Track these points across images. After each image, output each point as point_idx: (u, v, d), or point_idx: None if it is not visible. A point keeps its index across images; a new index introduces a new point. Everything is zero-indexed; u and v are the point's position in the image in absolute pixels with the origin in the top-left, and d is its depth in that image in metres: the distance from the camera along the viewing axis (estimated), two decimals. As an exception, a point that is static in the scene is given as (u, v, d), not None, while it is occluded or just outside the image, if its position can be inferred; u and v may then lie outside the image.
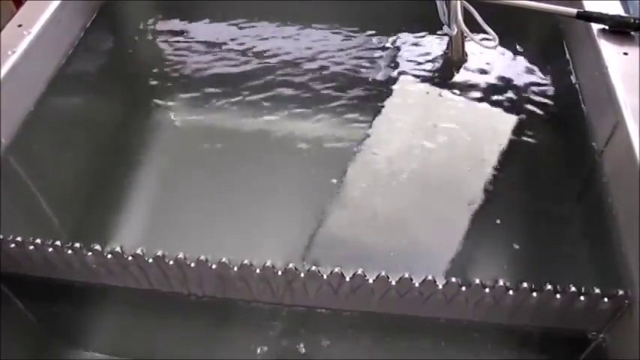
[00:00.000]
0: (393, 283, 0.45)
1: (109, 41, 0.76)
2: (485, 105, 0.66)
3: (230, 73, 0.71)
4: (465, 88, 0.67)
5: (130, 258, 0.47)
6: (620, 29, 0.59)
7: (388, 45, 0.73)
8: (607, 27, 0.60)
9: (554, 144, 0.62)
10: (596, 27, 0.60)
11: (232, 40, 0.75)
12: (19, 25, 0.62)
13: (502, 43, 0.70)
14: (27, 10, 0.64)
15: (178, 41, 0.75)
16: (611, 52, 0.58)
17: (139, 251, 0.47)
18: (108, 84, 0.72)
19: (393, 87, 0.68)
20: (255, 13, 0.78)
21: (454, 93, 0.67)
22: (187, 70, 0.72)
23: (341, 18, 0.76)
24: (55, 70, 0.66)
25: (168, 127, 0.66)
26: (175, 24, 0.78)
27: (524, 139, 0.62)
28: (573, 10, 0.62)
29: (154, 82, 0.71)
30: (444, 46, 0.72)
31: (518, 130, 0.63)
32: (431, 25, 0.73)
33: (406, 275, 0.44)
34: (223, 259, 0.46)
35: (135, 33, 0.78)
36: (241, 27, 0.77)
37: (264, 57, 0.73)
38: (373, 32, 0.75)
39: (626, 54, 0.57)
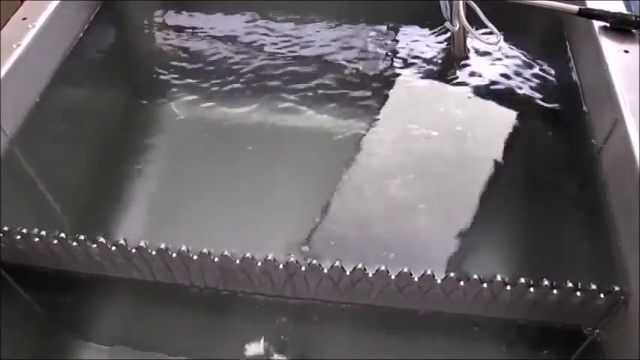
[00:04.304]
0: (393, 277, 0.46)
1: (112, 35, 0.77)
2: (486, 101, 0.66)
3: (234, 67, 0.71)
4: (466, 84, 0.68)
5: (133, 250, 0.48)
6: (622, 27, 0.60)
7: (390, 40, 0.74)
8: (608, 24, 0.60)
9: (554, 140, 0.62)
10: (597, 24, 0.61)
11: (236, 33, 0.75)
12: (24, 19, 0.62)
13: (504, 40, 0.70)
14: (31, 3, 0.65)
15: (182, 35, 0.76)
16: (611, 49, 0.58)
17: (142, 244, 0.47)
18: (111, 77, 0.72)
19: (395, 82, 0.68)
20: (259, 7, 0.78)
21: (455, 89, 0.67)
22: (191, 63, 0.72)
23: (343, 13, 0.76)
24: (59, 63, 0.66)
25: (171, 119, 0.66)
26: (179, 17, 0.78)
27: (525, 134, 0.62)
28: (575, 7, 0.62)
29: (158, 76, 0.71)
30: (446, 42, 0.72)
31: (518, 126, 0.63)
32: (433, 20, 0.73)
33: (405, 270, 0.45)
34: (226, 252, 0.47)
35: (138, 26, 0.78)
36: (245, 21, 0.77)
37: (268, 51, 0.73)
38: (375, 28, 0.75)
39: (626, 52, 0.57)
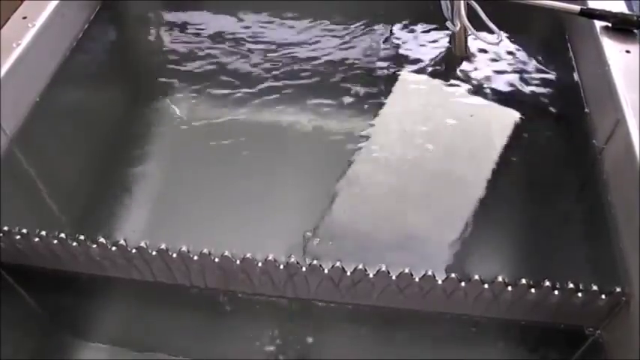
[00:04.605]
0: (394, 277, 0.45)
1: (112, 34, 0.76)
2: (486, 101, 0.66)
3: (234, 66, 0.71)
4: (467, 84, 0.67)
5: (134, 251, 0.48)
6: (623, 27, 0.59)
7: (391, 40, 0.74)
8: (610, 24, 0.60)
9: (555, 141, 0.62)
10: (599, 24, 0.61)
11: (237, 32, 0.75)
12: (24, 18, 0.62)
13: (505, 40, 0.70)
14: (31, 2, 0.65)
15: (182, 34, 0.76)
16: (613, 49, 0.58)
17: (142, 244, 0.47)
18: (112, 76, 0.72)
19: (395, 82, 0.68)
20: (260, 6, 0.78)
21: (456, 89, 0.67)
22: (191, 62, 0.72)
23: (344, 12, 0.76)
24: (59, 63, 0.66)
25: (172, 119, 0.66)
26: (179, 17, 0.78)
27: (525, 135, 0.62)
28: (576, 7, 0.62)
29: (158, 75, 0.71)
30: (447, 42, 0.72)
31: (519, 127, 0.63)
32: (434, 20, 0.73)
33: (406, 270, 0.45)
34: (226, 253, 0.47)
35: (138, 25, 0.78)
36: (245, 20, 0.77)
37: (268, 50, 0.73)
38: (376, 27, 0.75)
39: (628, 52, 0.57)
